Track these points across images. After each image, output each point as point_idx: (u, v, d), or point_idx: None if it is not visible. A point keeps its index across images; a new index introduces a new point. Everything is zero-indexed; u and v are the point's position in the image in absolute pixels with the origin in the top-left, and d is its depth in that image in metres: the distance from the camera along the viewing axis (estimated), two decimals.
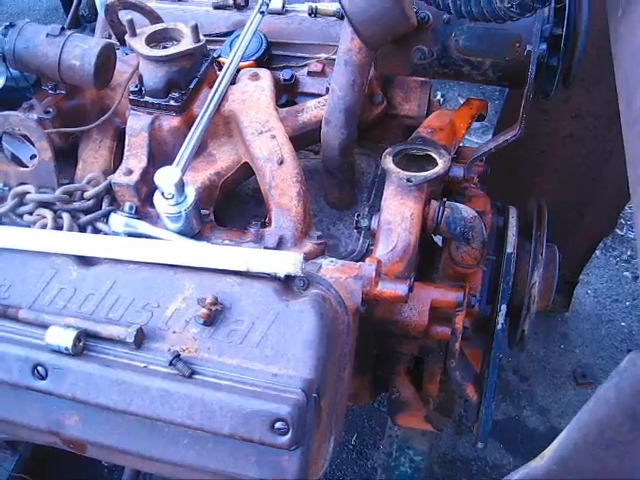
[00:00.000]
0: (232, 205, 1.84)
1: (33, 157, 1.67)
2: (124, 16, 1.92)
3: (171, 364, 1.36)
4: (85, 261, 1.52)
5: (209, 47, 1.99)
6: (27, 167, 1.66)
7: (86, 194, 1.63)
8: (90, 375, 1.38)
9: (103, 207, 1.63)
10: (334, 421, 1.52)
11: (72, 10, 2.13)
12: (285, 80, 1.92)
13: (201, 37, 1.65)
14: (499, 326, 1.74)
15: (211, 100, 1.65)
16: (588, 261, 2.87)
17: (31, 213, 1.62)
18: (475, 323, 1.83)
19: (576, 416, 0.88)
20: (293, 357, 1.37)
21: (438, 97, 3.90)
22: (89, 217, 1.61)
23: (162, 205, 1.51)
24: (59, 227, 1.59)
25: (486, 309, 1.78)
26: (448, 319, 1.68)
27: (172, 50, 1.61)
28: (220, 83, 1.69)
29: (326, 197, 1.87)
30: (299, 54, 2.00)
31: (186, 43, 1.63)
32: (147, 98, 1.65)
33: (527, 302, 1.78)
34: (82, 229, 1.61)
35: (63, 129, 1.69)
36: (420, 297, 1.65)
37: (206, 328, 1.41)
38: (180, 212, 1.51)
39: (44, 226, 1.59)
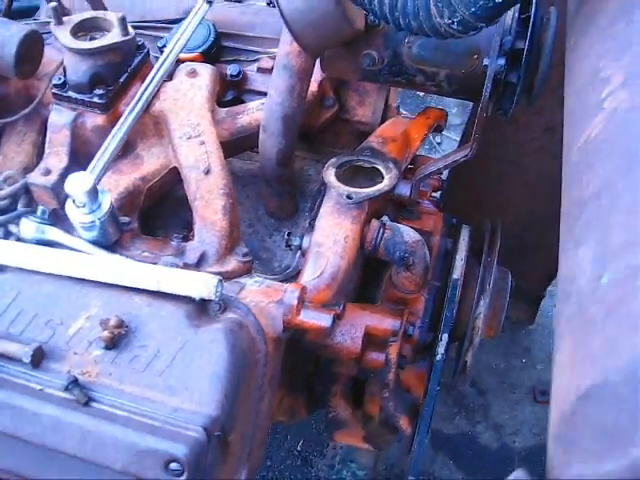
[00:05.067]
0: (166, 206, 1.72)
1: None
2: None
3: (67, 389, 1.26)
4: None
5: (158, 34, 1.88)
6: None
7: (0, 193, 1.52)
8: None
9: (18, 208, 1.52)
10: (248, 453, 1.43)
11: None
12: (232, 76, 1.79)
13: (130, 30, 1.52)
14: (438, 357, 1.63)
15: (139, 98, 1.53)
16: (556, 275, 2.75)
17: None
18: (418, 347, 1.73)
19: None
20: (198, 391, 1.27)
21: None
22: (1, 219, 1.50)
23: (74, 214, 1.40)
24: None
25: (427, 337, 1.67)
26: (385, 344, 1.58)
27: (97, 43, 1.49)
28: (152, 79, 1.56)
29: (265, 205, 1.75)
30: (251, 47, 1.87)
31: (113, 35, 1.50)
32: (70, 93, 1.53)
33: (470, 334, 1.67)
34: None
35: None
36: (354, 322, 1.53)
37: (108, 352, 1.31)
38: (94, 221, 1.40)
39: None
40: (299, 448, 2.63)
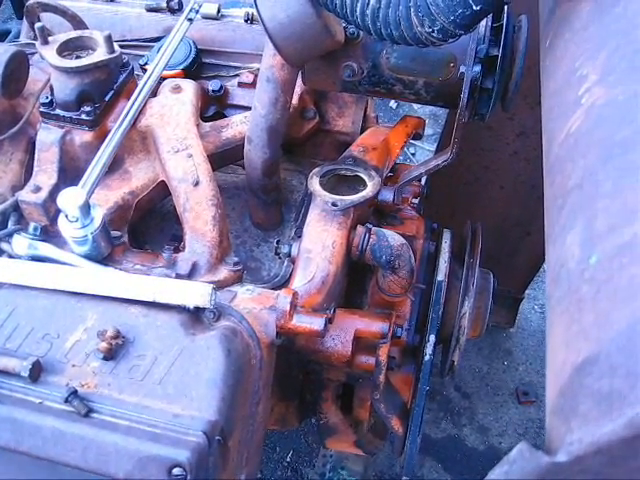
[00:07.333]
0: (152, 222, 1.76)
1: None
2: (49, 18, 1.82)
3: (67, 401, 1.28)
4: None
5: (138, 53, 1.91)
6: None
7: None
8: None
9: (8, 226, 1.54)
10: (246, 457, 1.45)
11: None
12: (214, 91, 1.83)
13: (116, 47, 1.55)
14: (427, 357, 1.67)
15: (126, 114, 1.56)
16: (534, 277, 2.83)
17: None
18: (405, 350, 1.77)
19: None
20: (196, 397, 1.29)
21: (391, 103, 3.83)
22: None
23: (67, 228, 1.42)
24: None
25: (414, 338, 1.71)
26: (374, 348, 1.61)
27: (84, 61, 1.52)
28: (137, 96, 1.59)
29: (251, 217, 1.79)
30: (231, 63, 1.91)
31: (100, 54, 1.54)
32: (58, 111, 1.55)
33: (456, 333, 1.72)
34: None
35: None
36: (343, 326, 1.57)
37: (107, 362, 1.32)
38: (86, 235, 1.42)
39: None
40: (289, 459, 2.66)
